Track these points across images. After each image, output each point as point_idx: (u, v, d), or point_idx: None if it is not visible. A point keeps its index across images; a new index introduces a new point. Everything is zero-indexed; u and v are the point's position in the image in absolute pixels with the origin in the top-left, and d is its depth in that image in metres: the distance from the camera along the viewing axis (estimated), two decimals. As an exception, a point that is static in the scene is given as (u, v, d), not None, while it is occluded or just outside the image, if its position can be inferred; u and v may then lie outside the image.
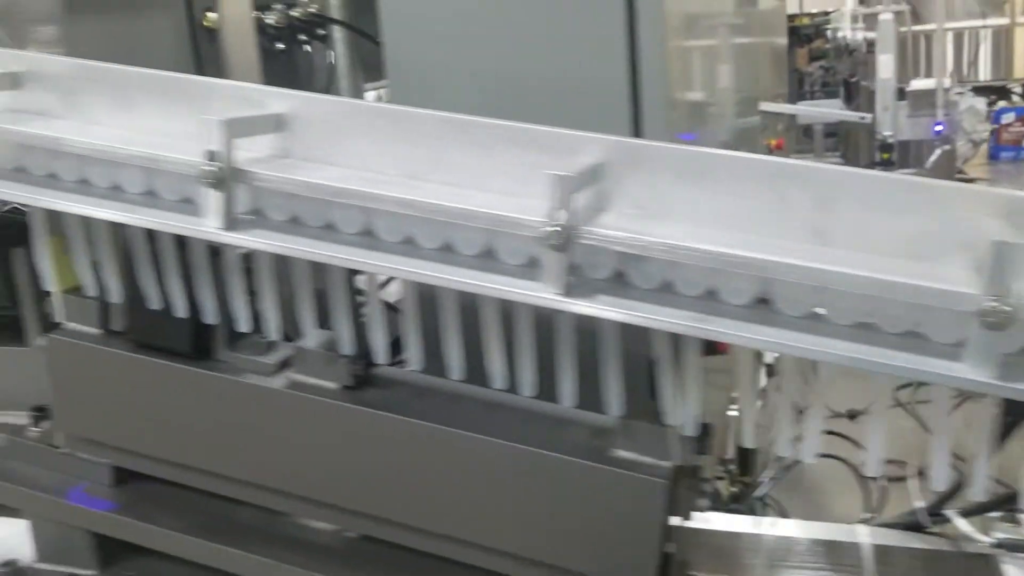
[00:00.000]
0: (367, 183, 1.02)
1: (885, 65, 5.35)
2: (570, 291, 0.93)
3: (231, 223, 1.03)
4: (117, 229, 1.23)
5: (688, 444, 1.09)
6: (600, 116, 1.34)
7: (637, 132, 1.35)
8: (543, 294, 0.93)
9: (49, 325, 1.68)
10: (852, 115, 5.13)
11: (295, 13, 1.51)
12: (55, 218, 1.29)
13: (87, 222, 1.23)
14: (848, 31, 8.10)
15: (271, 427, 1.24)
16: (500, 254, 0.99)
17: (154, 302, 1.25)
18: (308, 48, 1.65)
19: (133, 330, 1.30)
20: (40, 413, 1.45)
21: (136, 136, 1.14)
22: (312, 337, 1.24)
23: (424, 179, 1.05)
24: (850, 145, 7.49)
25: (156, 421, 1.31)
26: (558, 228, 0.90)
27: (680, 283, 0.93)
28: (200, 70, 1.61)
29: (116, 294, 1.27)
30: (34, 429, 1.45)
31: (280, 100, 1.11)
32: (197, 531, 1.32)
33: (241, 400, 1.25)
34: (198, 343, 1.27)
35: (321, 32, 1.61)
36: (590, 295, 0.93)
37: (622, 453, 1.10)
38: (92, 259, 1.26)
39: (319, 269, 1.14)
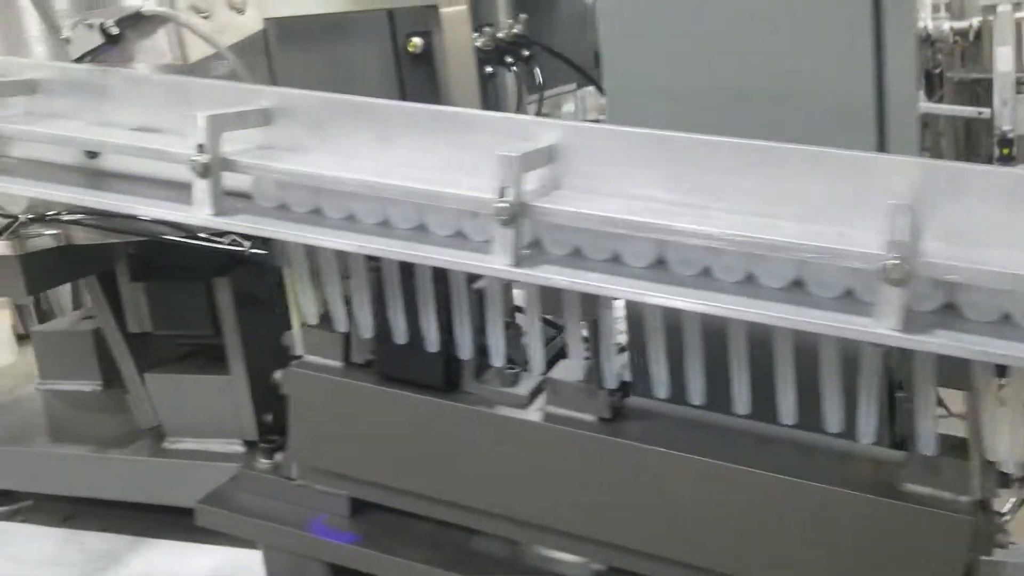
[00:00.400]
0: (658, 214, 0.99)
1: (1003, 58, 5.14)
2: (908, 326, 0.88)
3: (519, 260, 1.01)
4: (371, 264, 1.23)
5: (988, 477, 1.04)
6: (843, 130, 1.29)
7: (882, 147, 1.30)
8: (878, 329, 0.88)
9: (252, 354, 1.70)
10: (970, 110, 4.95)
11: (501, 35, 1.49)
12: (296, 253, 1.29)
13: (342, 257, 1.23)
14: (929, 21, 7.85)
15: (524, 459, 1.22)
16: (812, 286, 0.95)
17: (407, 337, 1.24)
18: (515, 70, 1.63)
19: (382, 364, 1.29)
20: (269, 443, 1.45)
21: (396, 170, 1.13)
22: (563, 369, 1.22)
23: (712, 207, 1.01)
24: (958, 140, 7.27)
25: (401, 453, 1.29)
26: (896, 262, 0.85)
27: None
28: (403, 95, 1.60)
29: (366, 329, 1.26)
30: (264, 460, 1.45)
31: (550, 131, 1.08)
32: (440, 562, 1.31)
33: (494, 432, 1.23)
34: (449, 376, 1.26)
35: (525, 53, 1.59)
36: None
37: (916, 488, 1.05)
38: (343, 294, 1.25)
39: (590, 302, 1.11)
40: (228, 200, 1.16)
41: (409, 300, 1.22)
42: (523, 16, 1.60)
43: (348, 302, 1.28)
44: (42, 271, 1.60)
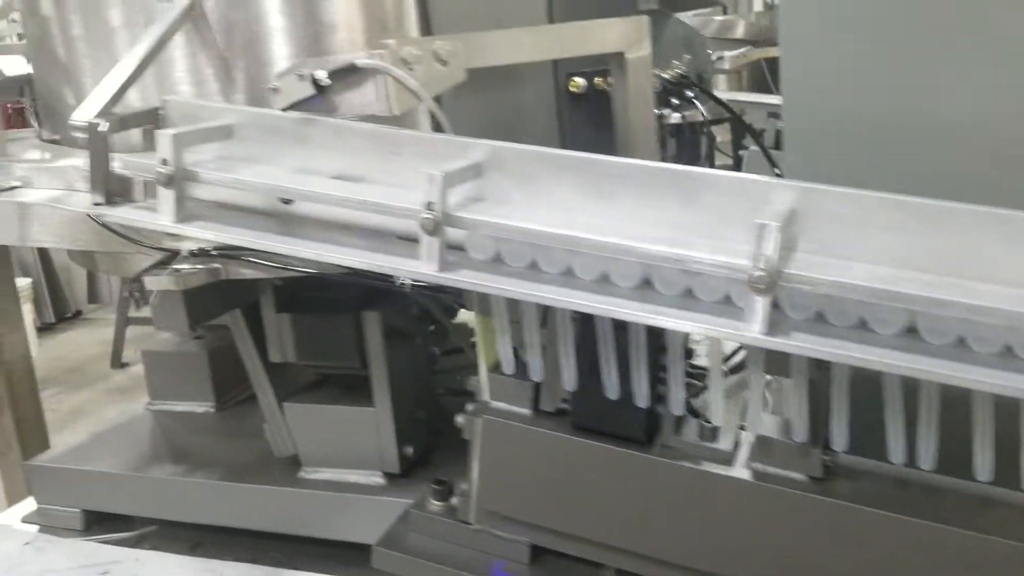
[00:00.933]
0: (915, 284, 1.00)
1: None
2: None
3: (774, 328, 1.02)
4: (572, 315, 1.23)
5: None
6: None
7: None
8: None
9: (395, 387, 1.70)
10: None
11: (666, 76, 1.50)
12: (487, 299, 1.30)
13: (543, 307, 1.23)
14: None
15: (727, 516, 1.22)
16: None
17: (607, 388, 1.24)
18: (678, 113, 1.63)
19: (577, 414, 1.29)
20: (441, 486, 1.45)
21: (615, 226, 1.13)
22: (765, 424, 1.22)
23: (964, 276, 1.02)
24: None
25: (592, 503, 1.30)
26: None
27: None
28: (563, 138, 1.60)
29: (562, 379, 1.27)
30: (437, 503, 1.45)
31: (782, 192, 1.09)
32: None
33: (697, 488, 1.24)
34: (648, 429, 1.26)
35: (689, 95, 1.59)
36: None
37: None
38: (541, 343, 1.26)
39: (816, 364, 1.12)
40: (449, 254, 1.16)
41: (615, 352, 1.22)
42: (687, 57, 1.60)
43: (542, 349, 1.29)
44: (200, 305, 1.60)
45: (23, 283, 7.20)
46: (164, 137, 1.24)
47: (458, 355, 2.03)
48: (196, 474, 1.88)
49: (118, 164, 1.31)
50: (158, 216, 1.27)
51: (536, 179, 1.18)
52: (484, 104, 1.48)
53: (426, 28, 1.53)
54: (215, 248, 1.52)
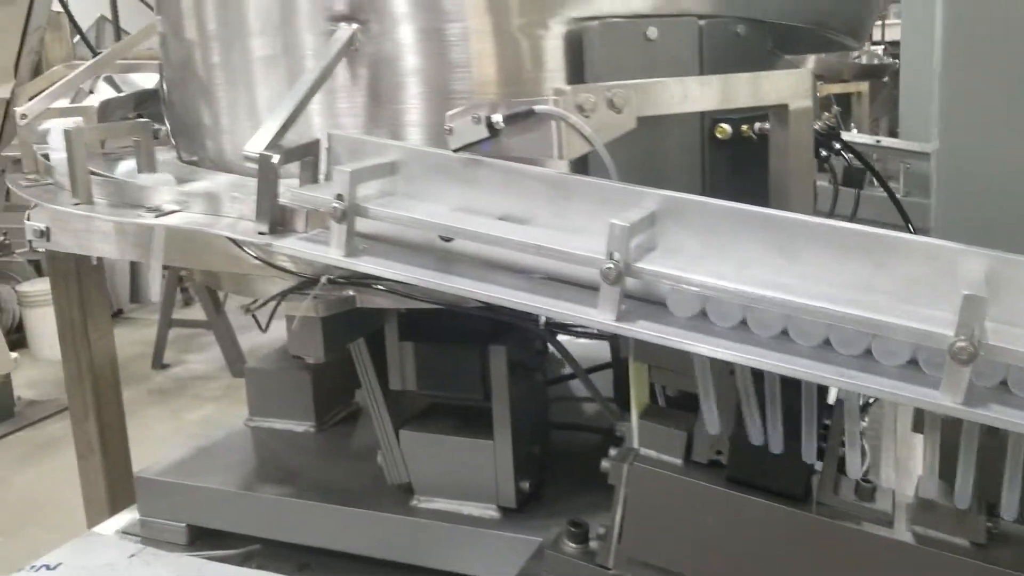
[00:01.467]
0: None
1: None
2: None
3: (971, 398, 1.01)
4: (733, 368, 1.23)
5: None
6: None
7: None
8: None
9: (515, 420, 1.70)
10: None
11: (816, 126, 1.50)
12: (646, 345, 1.30)
13: (707, 359, 1.23)
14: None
15: (883, 578, 1.22)
16: None
17: (773, 444, 1.24)
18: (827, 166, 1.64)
19: (733, 467, 1.29)
20: (578, 528, 1.46)
21: (798, 284, 1.13)
22: (925, 487, 1.22)
23: None
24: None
25: (742, 556, 1.30)
26: None
27: None
28: (705, 183, 1.61)
29: (718, 429, 1.27)
30: (572, 544, 1.45)
31: (974, 259, 1.08)
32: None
33: (856, 548, 1.23)
34: (806, 485, 1.26)
35: (836, 145, 1.59)
36: None
37: None
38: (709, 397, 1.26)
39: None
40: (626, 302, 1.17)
41: (782, 408, 1.22)
42: (836, 109, 1.60)
43: (695, 398, 1.29)
44: (334, 332, 1.62)
45: (72, 281, 7.23)
46: (341, 173, 1.26)
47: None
48: (305, 495, 1.89)
49: (288, 196, 1.33)
50: (329, 250, 1.28)
51: (715, 231, 1.19)
52: (626, 145, 1.48)
53: (575, 74, 1.54)
54: (351, 276, 1.53)
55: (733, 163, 1.60)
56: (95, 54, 2.57)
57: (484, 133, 1.26)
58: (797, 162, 1.42)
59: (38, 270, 8.33)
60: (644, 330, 1.15)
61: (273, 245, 1.31)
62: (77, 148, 1.47)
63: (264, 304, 1.69)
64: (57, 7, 2.58)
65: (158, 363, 8.13)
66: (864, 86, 6.59)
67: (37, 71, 2.52)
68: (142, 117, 2.24)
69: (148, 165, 1.58)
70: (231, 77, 1.70)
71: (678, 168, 1.59)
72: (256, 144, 1.32)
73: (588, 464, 1.95)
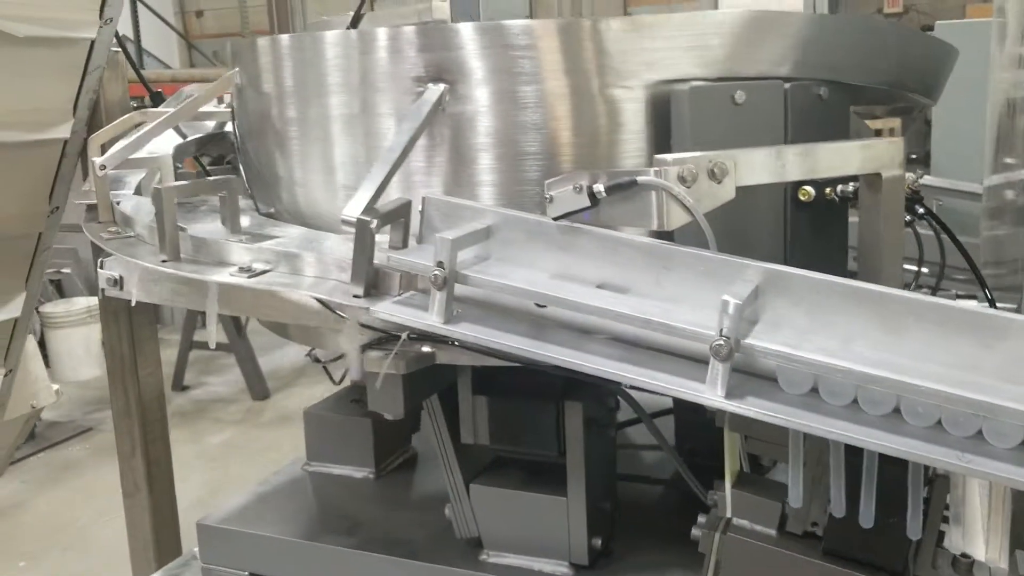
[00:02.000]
0: None
1: None
2: None
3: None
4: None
5: None
6: None
7: None
8: None
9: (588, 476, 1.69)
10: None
11: (902, 191, 1.50)
12: (743, 418, 1.30)
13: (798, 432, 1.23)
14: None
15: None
16: None
17: (867, 518, 1.24)
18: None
19: (832, 540, 1.29)
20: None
21: (904, 362, 1.13)
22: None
23: None
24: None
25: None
26: None
27: None
28: (785, 245, 1.61)
29: (837, 507, 1.27)
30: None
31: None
32: None
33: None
34: (904, 560, 1.26)
35: (920, 211, 1.59)
36: None
37: None
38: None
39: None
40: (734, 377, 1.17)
41: (887, 484, 1.22)
42: (920, 172, 1.60)
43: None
44: (413, 388, 1.61)
45: (94, 302, 7.29)
46: (442, 241, 1.26)
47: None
48: (369, 546, 1.88)
49: (389, 261, 1.33)
50: (427, 316, 1.29)
51: (819, 305, 1.18)
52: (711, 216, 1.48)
53: (658, 136, 1.55)
54: (432, 333, 1.53)
55: (813, 224, 1.60)
56: (151, 93, 2.59)
57: (585, 202, 1.27)
58: (888, 231, 1.42)
59: (59, 291, 8.35)
60: (757, 408, 1.15)
61: (371, 310, 1.31)
62: (167, 207, 1.47)
63: (338, 359, 1.69)
64: (115, 46, 2.59)
65: (178, 385, 8.11)
66: (896, 122, 6.58)
67: (95, 110, 2.53)
68: (204, 157, 2.26)
69: (233, 222, 1.59)
70: (308, 132, 1.71)
71: (761, 228, 1.59)
72: (353, 208, 1.33)
73: (654, 517, 1.96)
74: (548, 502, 1.74)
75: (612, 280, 1.29)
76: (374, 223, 1.33)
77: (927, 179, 2.96)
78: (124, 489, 2.80)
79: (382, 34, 1.61)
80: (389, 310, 1.31)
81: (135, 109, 2.52)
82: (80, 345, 7.53)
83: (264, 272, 1.43)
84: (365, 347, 1.60)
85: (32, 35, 2.16)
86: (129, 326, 2.70)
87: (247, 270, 1.43)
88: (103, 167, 1.72)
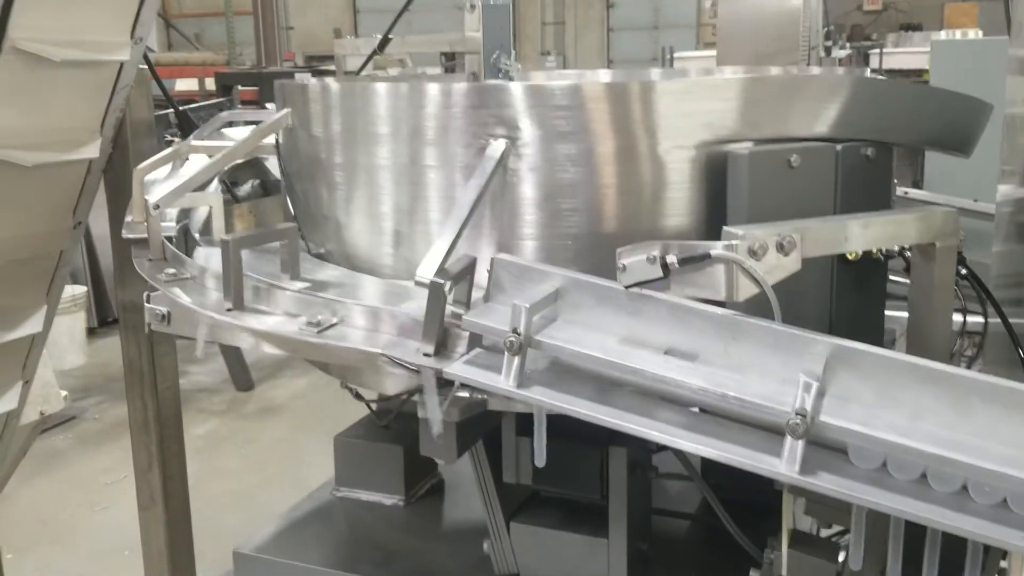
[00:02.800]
0: None
1: None
2: None
3: None
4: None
5: None
6: None
7: None
8: None
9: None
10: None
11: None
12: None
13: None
14: None
15: None
16: None
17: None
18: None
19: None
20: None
21: (970, 441, 1.18)
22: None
23: None
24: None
25: None
26: None
27: None
28: (832, 302, 1.65)
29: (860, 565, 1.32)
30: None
31: None
32: None
33: None
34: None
35: (962, 271, 1.64)
36: None
37: None
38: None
39: None
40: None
41: (944, 554, 1.27)
42: (962, 233, 1.66)
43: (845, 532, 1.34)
44: (464, 432, 1.65)
45: (79, 291, 7.23)
46: (519, 308, 1.29)
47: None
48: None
49: (464, 323, 1.36)
50: (501, 379, 1.32)
51: (887, 382, 1.23)
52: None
53: (711, 196, 1.58)
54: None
55: (857, 278, 1.64)
56: (177, 113, 2.59)
57: (658, 273, 1.30)
58: (939, 299, 1.47)
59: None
60: (831, 486, 1.19)
61: (444, 372, 1.34)
62: (235, 257, 1.49)
63: (392, 399, 1.72)
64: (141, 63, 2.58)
65: (160, 375, 8.07)
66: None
67: (120, 128, 2.53)
68: (237, 187, 2.27)
69: (293, 268, 1.61)
70: (356, 178, 1.74)
71: (808, 285, 1.63)
72: (427, 270, 1.36)
73: (687, 553, 2.01)
74: (589, 543, 1.78)
75: (679, 346, 1.33)
76: (447, 285, 1.35)
77: (918, 193, 3.01)
78: (140, 502, 2.82)
79: (433, 89, 1.64)
80: (463, 372, 1.34)
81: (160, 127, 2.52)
82: (64, 334, 7.45)
83: (332, 326, 1.45)
84: (415, 393, 1.63)
85: (68, 59, 2.16)
86: (149, 341, 2.71)
87: (316, 324, 1.45)
88: (157, 206, 1.72)
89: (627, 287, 1.33)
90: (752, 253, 1.30)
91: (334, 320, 1.46)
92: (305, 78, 2.30)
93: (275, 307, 1.53)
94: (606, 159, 1.58)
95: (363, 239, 1.76)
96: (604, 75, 2.64)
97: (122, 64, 2.36)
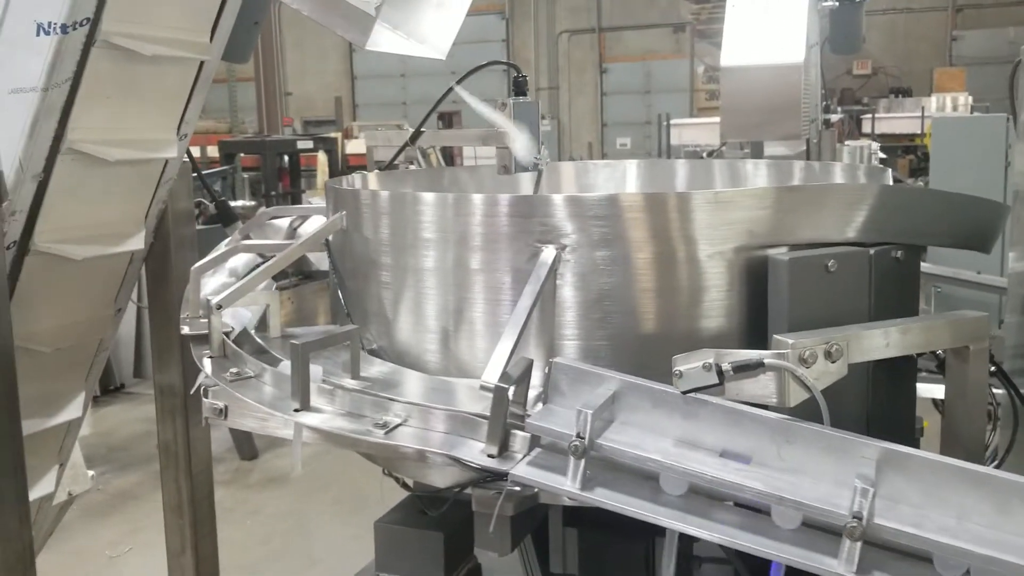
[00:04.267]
0: None
1: None
2: None
3: None
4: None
5: None
6: None
7: None
8: None
9: None
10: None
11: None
12: None
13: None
14: None
15: None
16: None
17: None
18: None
19: None
20: None
21: (1014, 540, 1.25)
22: None
23: None
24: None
25: None
26: None
27: None
28: (867, 406, 1.72)
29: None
30: None
31: None
32: None
33: None
34: None
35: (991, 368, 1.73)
36: None
37: None
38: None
39: None
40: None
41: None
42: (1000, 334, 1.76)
43: None
44: (517, 526, 1.70)
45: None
46: (585, 416, 1.37)
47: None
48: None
49: (529, 427, 1.43)
50: (566, 481, 1.39)
51: (934, 485, 1.30)
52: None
53: (751, 298, 1.67)
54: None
55: (892, 379, 1.72)
56: (216, 204, 2.68)
57: (713, 379, 1.38)
58: (974, 400, 1.55)
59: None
60: (889, 585, 1.25)
61: (512, 475, 1.41)
62: (304, 362, 1.57)
63: (444, 491, 1.77)
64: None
65: (164, 442, 8.04)
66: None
67: (163, 219, 2.62)
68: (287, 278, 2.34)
69: (355, 368, 1.68)
70: (404, 279, 1.83)
71: (848, 386, 1.68)
72: (491, 375, 1.43)
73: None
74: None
75: (733, 448, 1.40)
76: (511, 390, 1.43)
77: (925, 267, 3.11)
78: (169, 548, 2.84)
79: (478, 200, 1.75)
80: (529, 474, 1.40)
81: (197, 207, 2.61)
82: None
83: (396, 426, 1.52)
84: (468, 485, 1.69)
85: (122, 159, 2.25)
86: (185, 425, 2.77)
87: (382, 425, 1.52)
88: (219, 306, 1.80)
89: (684, 392, 1.40)
90: (802, 361, 1.38)
91: (397, 420, 1.53)
92: (354, 181, 2.38)
93: (339, 406, 1.60)
94: (646, 264, 1.67)
95: (411, 337, 1.84)
96: (632, 168, 2.75)
97: (167, 161, 2.46)
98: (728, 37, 4.88)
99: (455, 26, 2.18)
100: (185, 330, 2.00)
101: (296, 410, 1.59)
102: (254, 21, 2.68)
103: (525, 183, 2.56)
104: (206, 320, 1.92)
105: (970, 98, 15.47)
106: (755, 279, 1.68)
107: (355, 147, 15.05)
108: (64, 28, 2.03)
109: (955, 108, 15.30)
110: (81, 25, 2.06)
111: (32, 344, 2.35)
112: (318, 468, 7.10)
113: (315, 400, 1.63)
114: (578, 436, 1.37)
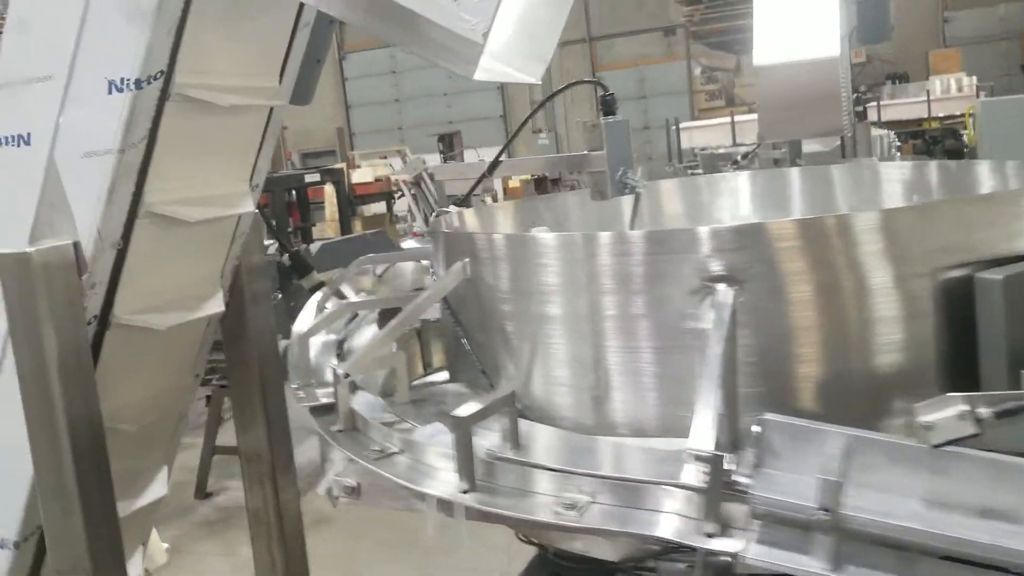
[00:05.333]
0: None
1: None
2: None
3: None
4: None
5: None
6: None
7: None
8: None
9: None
10: None
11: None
12: None
13: None
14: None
15: None
16: None
17: None
18: None
19: None
20: None
21: None
22: None
23: None
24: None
25: None
26: None
27: None
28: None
29: None
30: None
31: None
32: None
33: None
34: None
35: None
36: None
37: None
38: None
39: None
40: None
41: None
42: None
43: None
44: None
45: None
46: (829, 483, 1.18)
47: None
48: None
49: (762, 502, 1.24)
50: (809, 562, 1.20)
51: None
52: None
53: (951, 322, 1.49)
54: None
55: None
56: (290, 256, 2.51)
57: (970, 429, 1.20)
58: None
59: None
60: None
61: (746, 558, 1.22)
62: (467, 436, 1.38)
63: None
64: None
65: (201, 492, 7.81)
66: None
67: (236, 274, 2.44)
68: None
69: (513, 439, 1.49)
70: (528, 330, 1.66)
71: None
72: (703, 443, 1.25)
73: None
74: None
75: (998, 507, 1.21)
76: (727, 458, 1.25)
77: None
78: None
79: (605, 238, 1.59)
80: (765, 556, 1.22)
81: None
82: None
83: (588, 505, 1.34)
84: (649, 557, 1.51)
85: (201, 218, 2.08)
86: (274, 491, 2.58)
87: (572, 506, 1.33)
88: (347, 375, 1.62)
89: (937, 446, 1.21)
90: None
91: (584, 498, 1.34)
92: (452, 220, 2.22)
93: (502, 479, 1.42)
94: (833, 294, 1.48)
95: (544, 389, 1.66)
96: (744, 181, 2.57)
97: (240, 216, 2.29)
98: (759, 34, 4.71)
99: (549, 52, 2.01)
100: (305, 403, 1.81)
101: (465, 491, 1.40)
102: (316, 59, 2.52)
103: (625, 208, 2.39)
104: (322, 389, 1.75)
105: (974, 78, 15.34)
106: (952, 302, 1.49)
107: (360, 176, 14.85)
108: (139, 84, 1.86)
109: (959, 89, 15.18)
110: (155, 79, 1.88)
111: (117, 424, 2.17)
112: (363, 506, 6.92)
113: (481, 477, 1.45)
114: (823, 509, 1.18)
